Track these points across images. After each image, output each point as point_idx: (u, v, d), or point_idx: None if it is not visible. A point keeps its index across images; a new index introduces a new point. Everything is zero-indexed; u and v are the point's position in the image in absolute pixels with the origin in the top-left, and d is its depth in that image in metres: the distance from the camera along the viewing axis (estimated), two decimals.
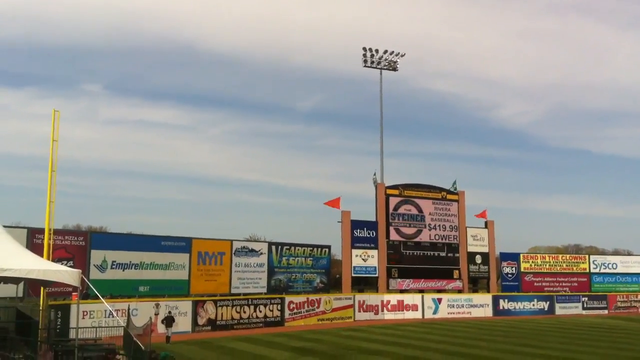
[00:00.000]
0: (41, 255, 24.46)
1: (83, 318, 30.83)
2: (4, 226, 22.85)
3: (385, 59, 60.08)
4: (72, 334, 25.94)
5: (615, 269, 64.37)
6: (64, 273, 20.68)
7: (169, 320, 34.47)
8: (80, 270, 21.27)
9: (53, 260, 26.21)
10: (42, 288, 25.43)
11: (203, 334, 38.58)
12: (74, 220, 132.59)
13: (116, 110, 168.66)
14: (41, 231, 29.45)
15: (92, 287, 25.54)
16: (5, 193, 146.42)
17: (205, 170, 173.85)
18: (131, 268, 39.42)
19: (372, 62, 59.83)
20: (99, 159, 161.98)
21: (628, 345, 33.95)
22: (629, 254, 73.06)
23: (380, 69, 60.22)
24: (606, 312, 60.76)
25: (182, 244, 42.71)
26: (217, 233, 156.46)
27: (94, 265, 37.55)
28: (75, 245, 37.03)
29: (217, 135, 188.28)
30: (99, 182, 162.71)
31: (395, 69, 60.30)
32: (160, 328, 35.82)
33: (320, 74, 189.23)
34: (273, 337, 37.05)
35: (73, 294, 30.84)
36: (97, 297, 26.25)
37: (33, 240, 33.59)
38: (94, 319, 32.42)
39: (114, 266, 38.55)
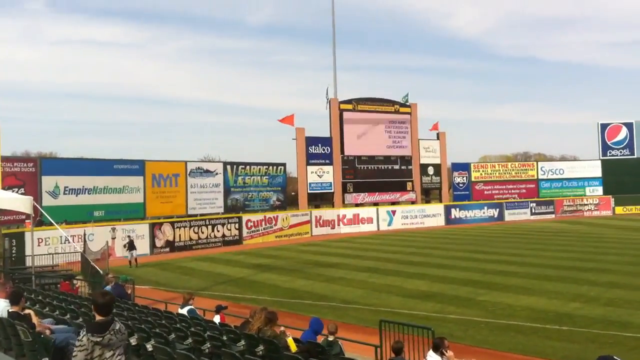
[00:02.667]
0: None
1: (39, 245, 30.60)
2: None
3: None
4: (29, 262, 25.81)
5: (562, 174, 66.41)
6: (15, 200, 20.41)
7: (130, 245, 34.52)
8: (32, 197, 20.95)
9: (3, 188, 25.71)
10: None
11: (162, 255, 38.88)
12: (23, 147, 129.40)
13: (60, 29, 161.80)
14: None
15: (45, 214, 25.28)
16: None
17: (156, 90, 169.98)
18: (84, 193, 38.98)
19: None
20: (45, 82, 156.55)
21: (571, 247, 35.51)
22: (575, 160, 75.13)
23: None
24: (553, 216, 63.08)
25: (136, 167, 42.29)
26: (170, 155, 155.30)
27: (46, 191, 36.98)
28: (25, 172, 36.31)
29: (166, 53, 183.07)
30: (47, 105, 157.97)
31: None
32: (118, 252, 35.97)
33: None
34: (232, 255, 37.60)
35: (26, 221, 30.49)
36: (51, 224, 26.01)
37: None
38: (49, 246, 32.22)
39: (66, 192, 38.05)
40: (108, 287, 16.51)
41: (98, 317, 5.69)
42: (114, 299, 5.97)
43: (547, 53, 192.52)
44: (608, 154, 66.55)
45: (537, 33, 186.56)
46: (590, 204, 65.26)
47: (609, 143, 66.68)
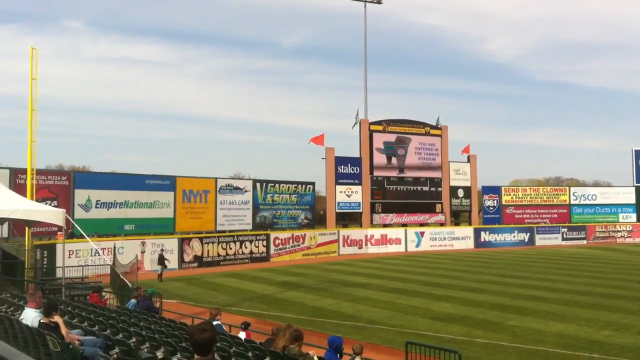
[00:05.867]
0: (25, 195, 24.40)
1: (69, 257, 31.00)
2: None
3: None
4: (59, 273, 26.14)
5: (594, 200, 65.42)
6: (48, 213, 20.71)
7: (160, 259, 34.75)
8: (65, 210, 21.29)
9: (37, 200, 26.14)
10: (26, 228, 25.45)
11: (190, 270, 39.09)
12: (57, 160, 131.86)
13: (98, 47, 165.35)
14: (23, 171, 29.28)
15: (77, 226, 25.62)
16: None
17: (190, 108, 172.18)
18: (116, 207, 39.49)
19: None
20: (81, 97, 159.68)
21: (603, 274, 34.88)
22: (609, 186, 74.09)
23: (365, 1, 59.09)
24: (585, 242, 62.08)
25: (167, 183, 42.74)
26: (201, 171, 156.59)
27: (79, 204, 37.55)
28: (58, 185, 36.95)
29: (201, 72, 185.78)
30: (82, 121, 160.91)
31: (379, 2, 59.00)
32: (147, 265, 36.28)
33: (305, 8, 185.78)
34: (259, 272, 37.65)
35: (58, 233, 30.93)
36: (82, 236, 26.35)
37: (16, 181, 33.47)
38: (80, 258, 32.60)
39: (98, 205, 38.58)
40: (133, 301, 16.66)
41: (196, 357, 4.82)
42: (215, 336, 4.91)
43: (582, 78, 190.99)
44: None
45: (571, 58, 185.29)
46: (623, 230, 64.13)
47: None
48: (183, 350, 9.55)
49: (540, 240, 61.04)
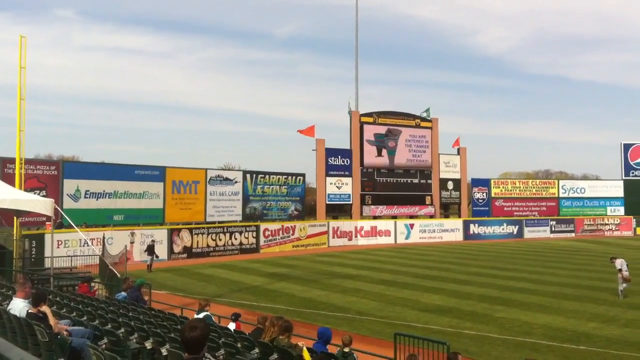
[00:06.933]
0: (13, 185, 24.25)
1: (58, 247, 30.90)
2: None
3: None
4: (48, 263, 26.04)
5: (583, 193, 65.78)
6: (37, 202, 20.58)
7: (150, 249, 34.72)
8: (53, 200, 21.17)
9: (25, 190, 25.98)
10: (15, 218, 25.31)
11: (179, 261, 39.03)
12: (46, 150, 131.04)
13: (90, 37, 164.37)
14: (12, 161, 29.10)
15: (65, 216, 25.52)
16: None
17: (181, 98, 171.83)
18: (105, 197, 39.31)
19: None
20: (72, 87, 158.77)
21: (591, 267, 35.08)
22: (597, 179, 74.43)
23: None
24: (573, 235, 62.45)
25: (156, 173, 42.57)
26: (191, 162, 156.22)
27: (67, 194, 37.36)
28: (47, 175, 36.74)
29: (193, 63, 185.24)
30: (72, 110, 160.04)
31: None
32: (137, 256, 36.16)
33: None
34: (248, 263, 37.64)
35: (47, 223, 30.77)
36: (71, 227, 26.24)
37: (4, 170, 33.27)
38: (69, 248, 32.51)
39: (87, 195, 38.39)
40: (123, 293, 16.60)
41: (186, 355, 4.50)
42: (207, 334, 4.51)
43: (573, 72, 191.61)
44: (631, 174, 65.76)
45: (563, 52, 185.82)
46: (611, 223, 64.54)
47: (631, 163, 65.91)
48: (172, 341, 9.54)
49: (529, 233, 61.37)
